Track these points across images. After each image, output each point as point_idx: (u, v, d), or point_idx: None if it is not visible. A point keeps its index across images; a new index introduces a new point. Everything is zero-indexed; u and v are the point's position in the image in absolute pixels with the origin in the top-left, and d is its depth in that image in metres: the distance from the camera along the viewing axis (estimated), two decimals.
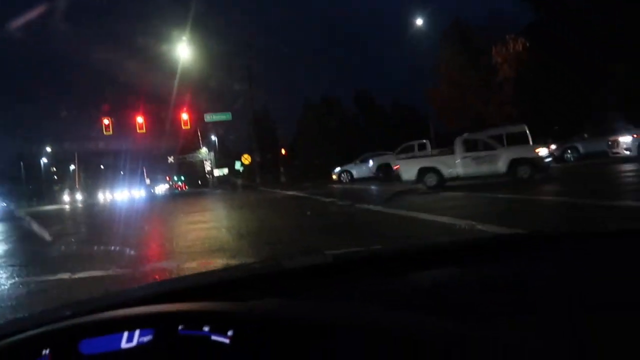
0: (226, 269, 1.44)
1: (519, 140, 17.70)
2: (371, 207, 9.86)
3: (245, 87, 39.30)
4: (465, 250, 1.11)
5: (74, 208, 35.04)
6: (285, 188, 24.75)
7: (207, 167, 65.07)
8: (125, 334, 0.64)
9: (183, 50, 31.86)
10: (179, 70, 32.30)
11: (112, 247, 7.81)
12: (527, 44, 27.68)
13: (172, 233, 9.22)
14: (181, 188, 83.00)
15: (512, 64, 28.22)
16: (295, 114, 53.69)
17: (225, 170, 56.62)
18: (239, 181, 43.80)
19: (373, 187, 17.98)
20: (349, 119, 45.05)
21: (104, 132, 33.56)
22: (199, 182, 76.29)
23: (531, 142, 17.75)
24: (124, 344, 0.64)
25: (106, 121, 33.29)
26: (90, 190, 71.03)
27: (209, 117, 37.15)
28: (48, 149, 74.22)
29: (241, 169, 45.90)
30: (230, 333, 0.63)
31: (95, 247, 8.00)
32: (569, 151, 21.13)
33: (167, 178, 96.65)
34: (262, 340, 0.62)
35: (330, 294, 0.83)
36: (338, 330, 0.61)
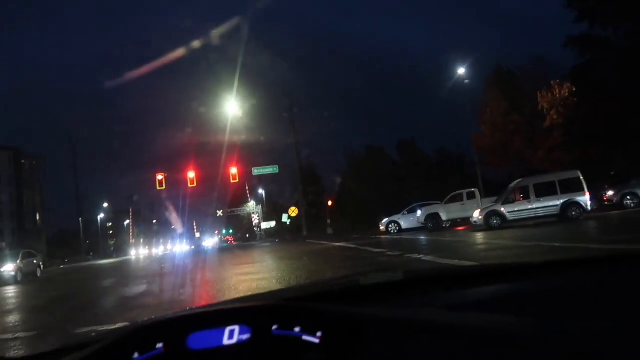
0: (305, 286, 1.52)
1: (572, 185, 17.22)
2: (422, 257, 9.71)
3: (290, 140, 40.41)
4: (518, 271, 1.19)
5: (127, 262, 36.17)
6: (333, 239, 24.70)
7: (255, 220, 65.98)
8: (227, 332, 0.74)
9: (231, 107, 33.38)
10: (228, 126, 33.71)
11: (166, 299, 8.02)
12: (573, 89, 27.22)
13: (223, 285, 9.35)
14: (230, 241, 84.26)
15: (559, 110, 27.72)
16: (340, 163, 54.22)
17: (273, 223, 57.20)
18: (287, 234, 44.08)
19: (422, 238, 17.69)
20: (393, 168, 45.03)
21: (158, 187, 35.00)
22: (247, 235, 77.26)
23: (585, 188, 17.21)
24: (225, 341, 0.73)
25: (160, 176, 34.78)
26: (142, 244, 73.30)
27: (256, 171, 38.10)
28: (105, 205, 77.76)
29: (288, 221, 46.28)
30: (319, 334, 0.71)
31: (149, 300, 8.23)
32: (629, 197, 20.14)
33: (216, 232, 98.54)
34: (349, 342, 0.70)
35: (403, 305, 0.90)
36: (418, 331, 0.68)
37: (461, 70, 30.57)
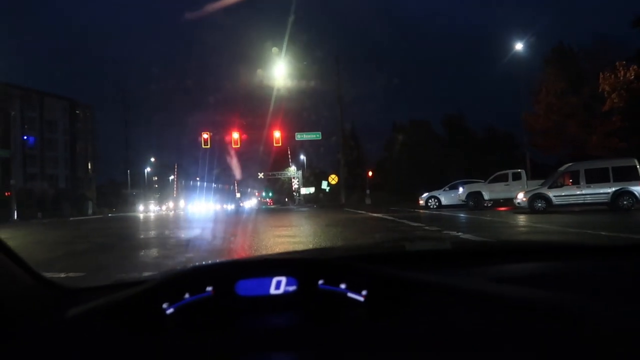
0: (351, 247, 1.54)
1: (627, 174, 16.47)
2: (460, 234, 9.59)
3: (335, 108, 40.18)
4: (563, 249, 1.18)
5: (170, 215, 37.52)
6: (371, 210, 24.70)
7: (295, 185, 66.78)
8: (274, 282, 0.75)
9: (279, 71, 33.29)
10: (274, 90, 33.73)
11: (203, 254, 8.29)
12: None
13: (260, 245, 9.54)
14: (269, 203, 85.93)
15: (621, 93, 26.15)
16: (384, 135, 53.64)
17: (312, 189, 57.71)
18: (325, 200, 44.39)
19: (462, 215, 17.43)
20: (438, 143, 44.16)
21: (203, 146, 35.76)
22: (286, 199, 78.38)
23: None
24: (272, 290, 0.76)
25: (205, 135, 35.47)
26: (185, 200, 75.81)
27: (299, 136, 38.18)
28: (152, 159, 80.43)
29: (327, 188, 46.50)
30: (364, 293, 0.72)
31: (187, 253, 8.53)
32: None
33: (256, 193, 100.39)
34: (393, 302, 0.71)
35: (447, 274, 0.91)
36: (463, 299, 0.68)
37: (518, 46, 29.22)
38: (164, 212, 53.23)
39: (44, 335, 0.70)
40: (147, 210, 59.38)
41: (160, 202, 72.46)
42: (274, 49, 30.75)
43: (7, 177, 42.88)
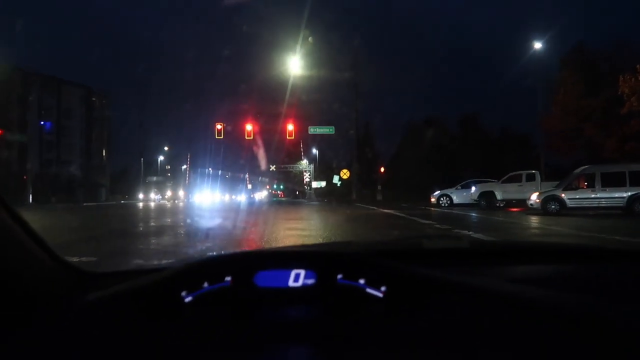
0: (369, 242, 1.55)
1: None
2: (471, 233, 9.53)
3: (350, 103, 40.08)
4: (567, 252, 1.18)
5: (183, 204, 37.78)
6: (382, 206, 24.66)
7: (306, 179, 66.81)
8: (293, 275, 0.76)
9: (294, 65, 33.20)
10: (289, 83, 33.66)
11: (213, 245, 8.34)
12: None
13: (271, 237, 9.58)
14: (280, 196, 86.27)
15: None
16: (396, 132, 53.39)
17: (323, 183, 57.72)
18: (336, 195, 44.39)
19: (473, 214, 17.32)
20: (452, 141, 43.85)
21: (216, 136, 35.88)
22: (297, 192, 78.44)
23: None
24: (291, 283, 0.76)
25: (219, 126, 35.57)
26: (197, 190, 76.38)
27: (312, 130, 38.13)
28: (165, 149, 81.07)
29: (339, 183, 46.47)
30: (383, 289, 0.72)
31: (197, 244, 8.58)
32: None
33: (267, 186, 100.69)
34: (413, 300, 0.71)
35: (466, 273, 0.90)
36: (483, 299, 0.68)
37: (537, 45, 28.82)
38: (166, 202, 53.62)
39: (65, 318, 0.71)
40: (148, 199, 59.85)
41: (163, 191, 72.83)
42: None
43: (24, 161, 43.57)
